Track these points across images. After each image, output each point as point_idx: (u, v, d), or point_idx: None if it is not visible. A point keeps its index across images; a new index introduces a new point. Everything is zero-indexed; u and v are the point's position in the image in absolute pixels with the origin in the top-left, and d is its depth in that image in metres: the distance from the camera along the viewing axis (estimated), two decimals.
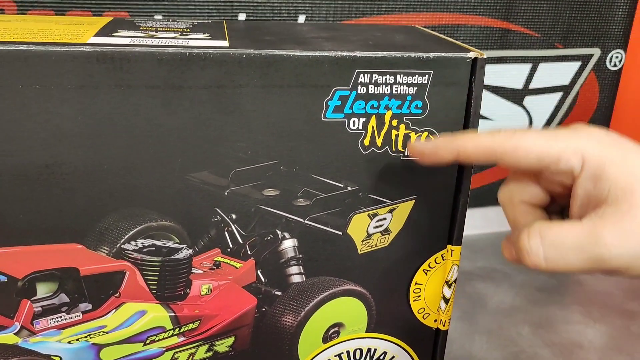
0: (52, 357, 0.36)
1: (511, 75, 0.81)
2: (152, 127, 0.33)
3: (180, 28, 0.38)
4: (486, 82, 0.80)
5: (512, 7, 0.76)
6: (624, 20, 0.82)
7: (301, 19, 0.69)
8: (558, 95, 0.84)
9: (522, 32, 0.78)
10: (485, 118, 0.82)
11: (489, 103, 0.81)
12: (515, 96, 0.82)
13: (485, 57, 0.35)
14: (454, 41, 0.39)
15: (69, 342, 0.36)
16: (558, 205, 0.35)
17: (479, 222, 0.86)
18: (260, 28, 0.40)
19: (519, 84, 0.81)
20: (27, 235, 0.33)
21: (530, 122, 0.85)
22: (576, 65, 0.83)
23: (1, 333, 0.35)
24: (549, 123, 0.86)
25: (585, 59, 0.83)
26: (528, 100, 0.83)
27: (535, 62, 0.80)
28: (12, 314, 0.35)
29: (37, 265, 0.34)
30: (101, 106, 0.32)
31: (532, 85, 0.82)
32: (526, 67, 0.81)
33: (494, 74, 0.80)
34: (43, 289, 0.35)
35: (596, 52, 0.83)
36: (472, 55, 0.35)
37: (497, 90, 0.81)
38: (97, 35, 0.34)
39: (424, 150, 0.34)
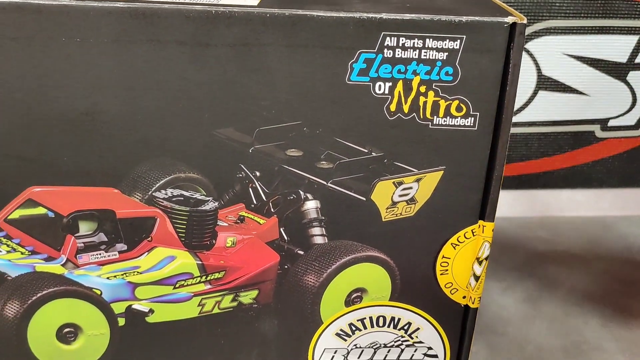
0: (93, 289, 0.39)
1: (614, 47, 0.74)
2: (181, 81, 0.34)
3: None
4: (584, 54, 0.74)
5: None
6: None
7: None
8: None
9: None
10: (581, 93, 0.76)
11: (586, 77, 0.75)
12: (617, 71, 0.75)
13: (525, 22, 0.33)
14: (502, 4, 0.36)
15: (108, 278, 0.39)
16: None
17: (565, 204, 0.81)
18: None
19: (622, 57, 0.74)
20: (70, 176, 0.37)
21: (634, 101, 0.78)
22: None
23: (50, 263, 0.39)
24: None
25: None
26: (633, 76, 0.76)
27: None
28: (59, 247, 0.39)
29: (79, 205, 0.37)
30: (135, 59, 0.34)
31: (639, 60, 0.75)
32: (633, 39, 0.73)
33: (593, 46, 0.73)
34: (84, 227, 0.38)
35: None
36: (510, 20, 0.33)
37: (596, 64, 0.75)
38: None
39: None
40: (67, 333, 0.41)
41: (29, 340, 0.40)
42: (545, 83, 0.75)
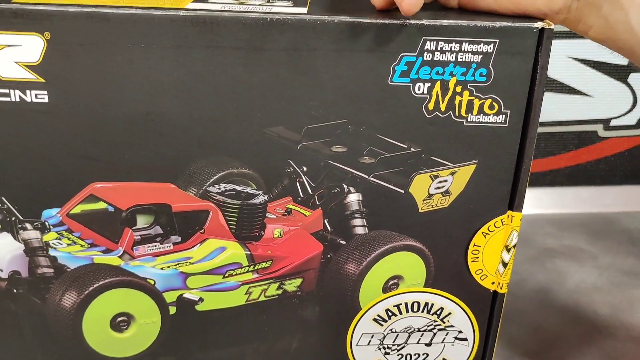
0: (147, 279, 0.42)
1: None
2: (235, 84, 0.37)
3: None
4: (587, 56, 0.78)
5: None
6: None
7: None
8: None
9: None
10: (584, 94, 0.80)
11: (588, 79, 0.79)
12: (619, 73, 0.79)
13: (553, 27, 0.36)
14: None
15: (162, 269, 0.42)
16: None
17: (570, 201, 0.84)
18: None
19: (624, 60, 0.78)
20: (130, 172, 0.39)
21: (635, 101, 0.81)
22: None
23: (108, 255, 0.42)
24: None
25: None
26: (633, 78, 0.80)
27: None
28: (117, 240, 0.41)
29: (138, 199, 0.40)
30: (194, 64, 0.37)
31: None
32: None
33: (596, 49, 0.77)
34: (142, 221, 0.41)
35: None
36: (539, 25, 0.36)
37: (598, 66, 0.78)
38: (195, 1, 0.39)
39: None
40: (121, 322, 0.43)
41: (84, 329, 0.43)
42: (551, 85, 0.79)
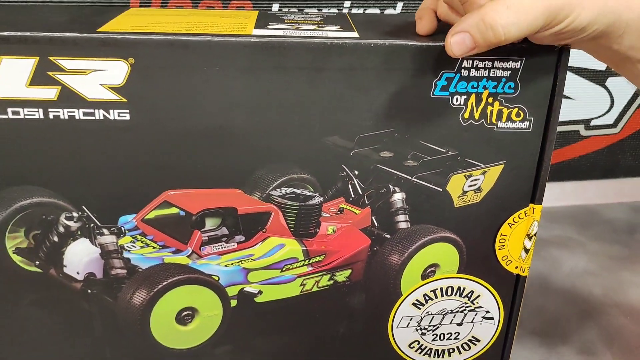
0: (212, 276, 0.47)
1: None
2: (298, 99, 0.42)
3: (315, 21, 0.47)
4: (569, 63, 0.85)
5: None
6: None
7: (399, 5, 0.76)
8: None
9: None
10: (567, 97, 0.87)
11: (571, 83, 0.86)
12: (597, 77, 0.87)
13: (570, 46, 0.42)
14: None
15: (225, 266, 0.47)
16: None
17: (557, 195, 0.92)
18: (378, 21, 0.48)
19: (602, 66, 0.86)
20: (201, 180, 0.44)
21: (612, 103, 0.89)
22: None
23: (178, 255, 0.46)
24: (630, 105, 0.90)
25: None
26: (611, 81, 0.87)
27: None
28: (186, 241, 0.46)
29: (207, 204, 0.45)
30: (262, 83, 0.42)
31: None
32: None
33: (576, 55, 0.84)
34: (210, 223, 0.46)
35: None
36: (559, 44, 0.42)
37: (579, 71, 0.86)
38: (256, 27, 0.44)
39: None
40: (185, 316, 0.48)
41: (151, 323, 0.47)
42: None
